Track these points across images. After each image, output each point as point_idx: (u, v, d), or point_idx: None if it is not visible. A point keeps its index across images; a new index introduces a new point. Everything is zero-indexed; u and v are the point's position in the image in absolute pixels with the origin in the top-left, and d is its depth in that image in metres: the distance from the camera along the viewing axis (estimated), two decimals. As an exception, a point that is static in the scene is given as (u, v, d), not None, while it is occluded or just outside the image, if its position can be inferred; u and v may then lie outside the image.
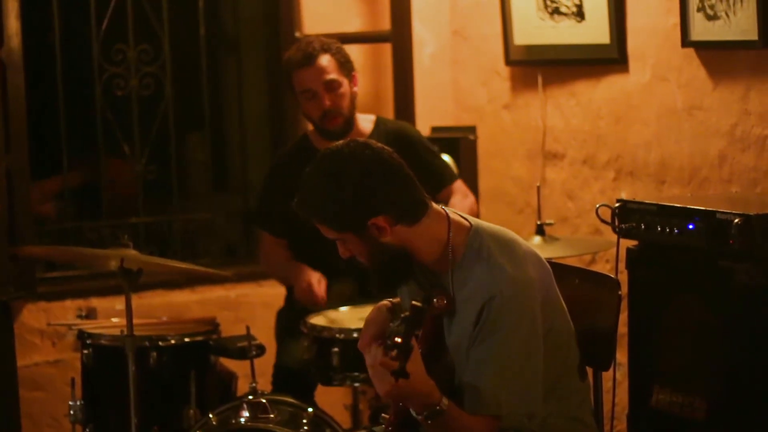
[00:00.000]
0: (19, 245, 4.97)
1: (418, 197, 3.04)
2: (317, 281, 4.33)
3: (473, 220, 3.10)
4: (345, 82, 4.45)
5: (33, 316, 5.17)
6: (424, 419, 2.91)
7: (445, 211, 3.09)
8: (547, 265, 3.12)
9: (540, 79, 5.07)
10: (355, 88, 4.51)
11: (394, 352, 2.78)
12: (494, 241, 3.03)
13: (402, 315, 2.88)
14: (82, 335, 4.27)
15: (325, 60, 4.43)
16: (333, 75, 4.43)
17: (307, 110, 4.51)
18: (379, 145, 3.04)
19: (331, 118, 4.45)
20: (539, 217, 4.41)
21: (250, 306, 5.38)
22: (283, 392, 4.15)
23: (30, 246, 4.95)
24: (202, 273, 4.60)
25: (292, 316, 4.48)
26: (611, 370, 3.36)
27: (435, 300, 2.96)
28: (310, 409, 3.97)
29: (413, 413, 2.92)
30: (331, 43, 4.49)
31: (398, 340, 2.78)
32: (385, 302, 3.17)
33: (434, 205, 3.08)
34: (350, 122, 4.50)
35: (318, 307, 4.30)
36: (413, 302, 2.88)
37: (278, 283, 4.77)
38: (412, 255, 3.03)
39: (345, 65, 4.47)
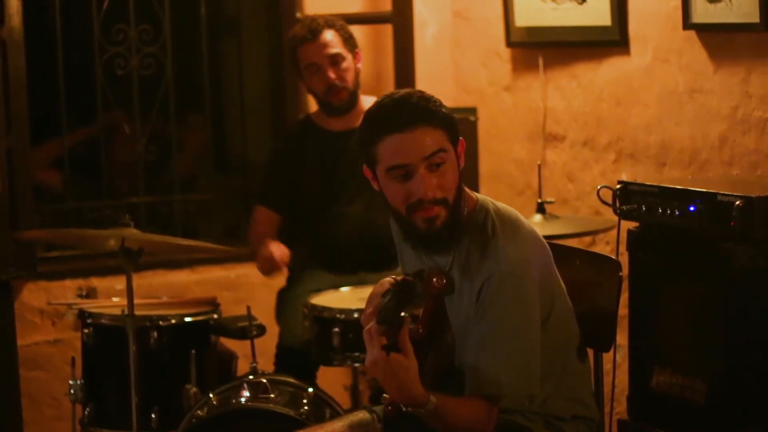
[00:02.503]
0: (20, 225, 4.98)
1: None
2: (277, 248, 4.37)
3: (477, 194, 3.09)
4: (349, 57, 4.51)
5: (33, 295, 5.17)
6: (415, 411, 2.87)
7: None
8: (547, 246, 3.11)
9: (541, 61, 5.06)
10: (359, 65, 4.56)
11: (383, 327, 2.78)
12: (498, 218, 3.02)
13: (392, 289, 2.86)
14: (82, 314, 4.28)
15: (329, 35, 4.49)
16: (337, 49, 4.49)
17: (312, 85, 4.55)
18: None
19: (336, 92, 4.49)
20: (540, 196, 4.41)
21: (251, 286, 5.37)
22: (284, 372, 4.16)
23: (30, 231, 4.94)
24: (202, 248, 4.59)
25: (292, 296, 4.49)
26: (611, 351, 3.36)
27: (434, 279, 2.94)
28: (310, 389, 3.97)
29: (402, 407, 2.87)
30: (334, 20, 4.57)
31: (387, 314, 2.78)
32: (388, 278, 3.16)
33: None
34: (354, 97, 4.53)
35: (277, 274, 4.41)
36: (405, 275, 2.88)
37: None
38: None
39: (349, 41, 4.54)
